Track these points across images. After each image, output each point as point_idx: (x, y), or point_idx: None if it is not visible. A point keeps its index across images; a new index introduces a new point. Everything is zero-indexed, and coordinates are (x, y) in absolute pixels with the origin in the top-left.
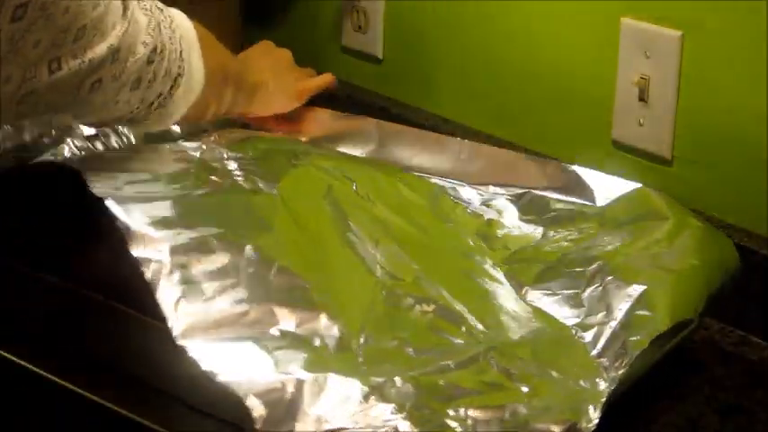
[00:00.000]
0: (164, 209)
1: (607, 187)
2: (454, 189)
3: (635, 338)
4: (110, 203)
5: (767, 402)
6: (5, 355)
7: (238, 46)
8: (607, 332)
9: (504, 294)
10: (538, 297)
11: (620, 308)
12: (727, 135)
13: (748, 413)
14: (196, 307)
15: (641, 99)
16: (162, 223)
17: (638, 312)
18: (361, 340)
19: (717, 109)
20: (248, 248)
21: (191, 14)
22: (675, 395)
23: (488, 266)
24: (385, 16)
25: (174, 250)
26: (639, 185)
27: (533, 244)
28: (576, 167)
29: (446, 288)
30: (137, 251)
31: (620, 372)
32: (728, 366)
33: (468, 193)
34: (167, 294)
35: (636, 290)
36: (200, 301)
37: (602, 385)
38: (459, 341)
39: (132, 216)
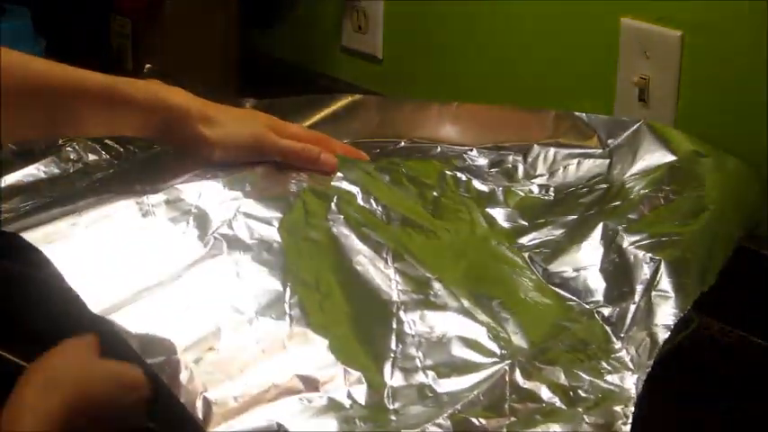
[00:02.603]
0: (165, 303)
1: (612, 126)
2: (461, 159)
3: (658, 324)
4: (114, 319)
5: (767, 402)
6: (4, 354)
7: (236, 47)
8: (629, 315)
9: (525, 282)
10: (558, 279)
11: (640, 286)
12: (727, 135)
13: (748, 413)
14: (220, 398)
15: (641, 99)
16: (166, 323)
17: (658, 292)
18: (388, 382)
19: (717, 109)
20: (257, 322)
21: (190, 14)
22: (675, 395)
23: (505, 250)
24: (385, 16)
25: (185, 348)
26: (642, 120)
27: (546, 211)
28: (577, 113)
29: (465, 293)
30: (150, 359)
31: (649, 362)
32: (728, 366)
33: (475, 157)
34: (189, 393)
35: (654, 263)
36: (222, 389)
37: (631, 380)
38: (485, 360)
39: (135, 322)
